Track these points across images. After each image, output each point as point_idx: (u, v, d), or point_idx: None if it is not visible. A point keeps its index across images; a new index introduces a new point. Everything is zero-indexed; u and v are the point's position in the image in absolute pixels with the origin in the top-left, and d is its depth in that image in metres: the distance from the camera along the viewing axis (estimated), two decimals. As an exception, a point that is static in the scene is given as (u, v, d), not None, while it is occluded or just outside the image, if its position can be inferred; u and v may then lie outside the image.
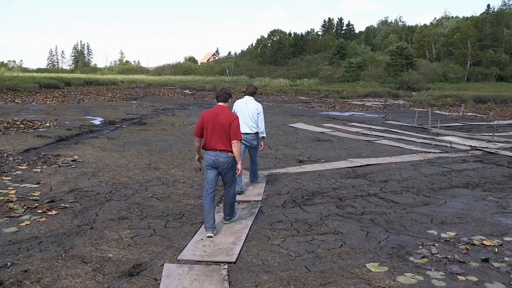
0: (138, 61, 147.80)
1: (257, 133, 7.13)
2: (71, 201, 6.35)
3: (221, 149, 5.17)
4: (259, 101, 6.57)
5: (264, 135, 7.27)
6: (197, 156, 5.50)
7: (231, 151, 5.20)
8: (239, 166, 5.27)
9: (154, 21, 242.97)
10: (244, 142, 6.84)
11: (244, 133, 6.74)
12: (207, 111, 5.39)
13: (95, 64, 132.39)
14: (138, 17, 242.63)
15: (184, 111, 22.42)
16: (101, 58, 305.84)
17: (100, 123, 16.11)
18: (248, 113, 7.01)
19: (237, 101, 7.22)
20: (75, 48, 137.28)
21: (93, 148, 10.58)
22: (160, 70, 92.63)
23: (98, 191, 6.91)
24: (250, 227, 5.49)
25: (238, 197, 6.60)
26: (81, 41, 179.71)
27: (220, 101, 5.40)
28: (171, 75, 79.76)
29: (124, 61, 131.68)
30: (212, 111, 5.32)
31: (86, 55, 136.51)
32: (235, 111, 7.00)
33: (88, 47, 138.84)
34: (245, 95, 7.23)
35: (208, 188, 5.27)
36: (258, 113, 7.06)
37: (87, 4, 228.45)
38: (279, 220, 5.81)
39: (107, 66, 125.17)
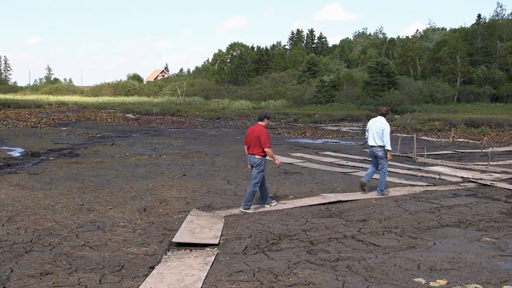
0: (70, 79, 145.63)
1: (381, 146, 10.39)
2: (-20, 253, 6.13)
3: (252, 153, 8.95)
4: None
5: (389, 148, 10.41)
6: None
7: (258, 154, 8.86)
8: (277, 162, 9.22)
9: (89, 30, 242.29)
10: (370, 153, 10.77)
11: (370, 146, 10.64)
12: (251, 127, 9.34)
13: (15, 82, 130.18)
14: (70, 25, 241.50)
15: (126, 139, 22.19)
16: (23, 75, 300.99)
17: (20, 155, 15.73)
18: (375, 129, 10.44)
19: (370, 120, 10.90)
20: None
21: (10, 186, 10.30)
22: (97, 90, 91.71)
23: (14, 240, 6.70)
24: (204, 280, 5.43)
25: (191, 239, 6.80)
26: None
27: (259, 121, 9.29)
28: (111, 96, 79.14)
29: (52, 79, 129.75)
30: (252, 127, 9.26)
31: (3, 71, 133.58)
32: (367, 128, 10.78)
33: (5, 61, 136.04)
34: (378, 115, 10.66)
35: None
36: (382, 130, 10.35)
37: (4, 7, 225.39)
38: (239, 270, 5.78)
39: (31, 84, 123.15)
